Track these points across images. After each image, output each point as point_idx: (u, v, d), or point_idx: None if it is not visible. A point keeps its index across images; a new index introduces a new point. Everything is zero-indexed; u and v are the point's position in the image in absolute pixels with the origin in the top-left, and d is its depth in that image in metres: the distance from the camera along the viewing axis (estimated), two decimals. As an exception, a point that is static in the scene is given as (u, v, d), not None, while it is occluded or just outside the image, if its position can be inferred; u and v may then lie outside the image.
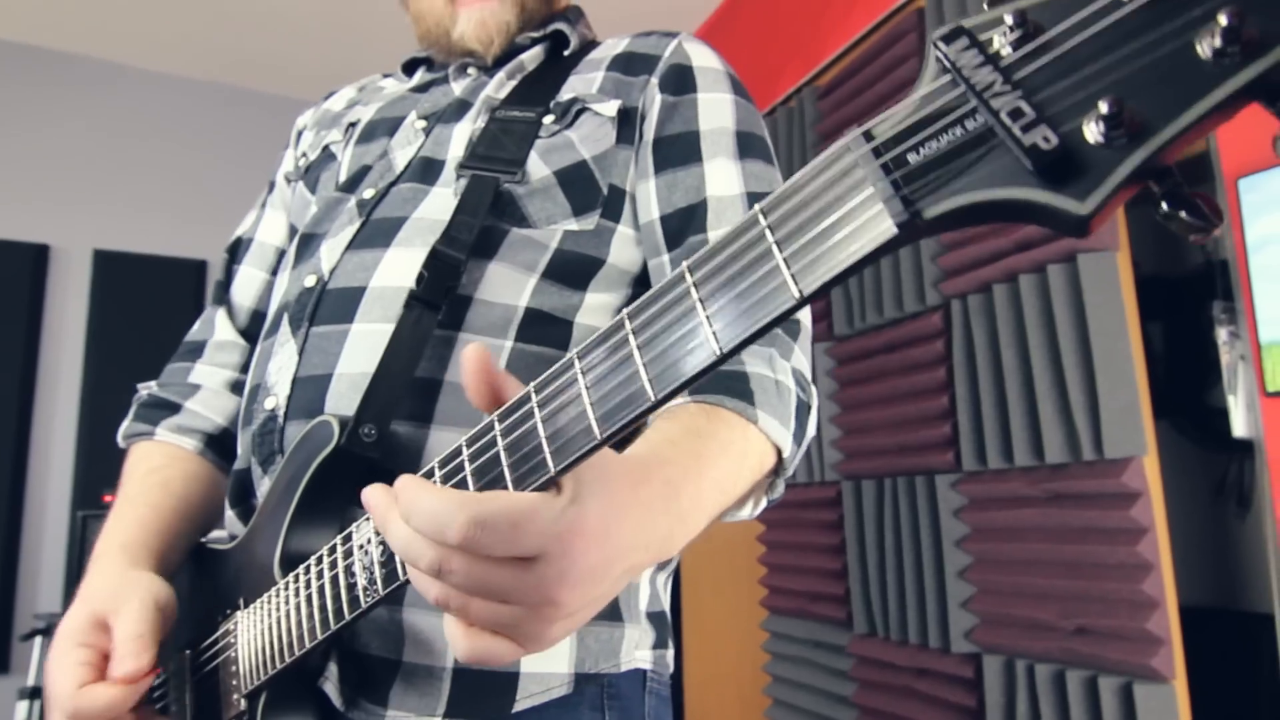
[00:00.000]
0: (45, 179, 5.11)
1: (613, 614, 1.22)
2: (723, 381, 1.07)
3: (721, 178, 1.28)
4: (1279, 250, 2.27)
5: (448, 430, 1.20)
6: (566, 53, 1.50)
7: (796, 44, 4.10)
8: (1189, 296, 3.11)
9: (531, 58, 1.50)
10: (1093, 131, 0.47)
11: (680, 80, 1.36)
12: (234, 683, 1.20)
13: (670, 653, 1.33)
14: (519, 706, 1.13)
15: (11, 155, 5.04)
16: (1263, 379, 2.30)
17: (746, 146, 1.32)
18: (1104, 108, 0.46)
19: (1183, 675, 2.26)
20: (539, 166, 1.31)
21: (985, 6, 0.53)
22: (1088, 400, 2.48)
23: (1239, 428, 2.47)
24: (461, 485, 0.79)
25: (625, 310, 0.68)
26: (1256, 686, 2.80)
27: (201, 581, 1.36)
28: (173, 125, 5.53)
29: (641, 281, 1.35)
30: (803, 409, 1.16)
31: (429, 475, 0.84)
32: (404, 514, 0.72)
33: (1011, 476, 2.75)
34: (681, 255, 1.26)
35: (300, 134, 1.68)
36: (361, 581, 0.96)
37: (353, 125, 1.55)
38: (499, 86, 1.46)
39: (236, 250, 1.67)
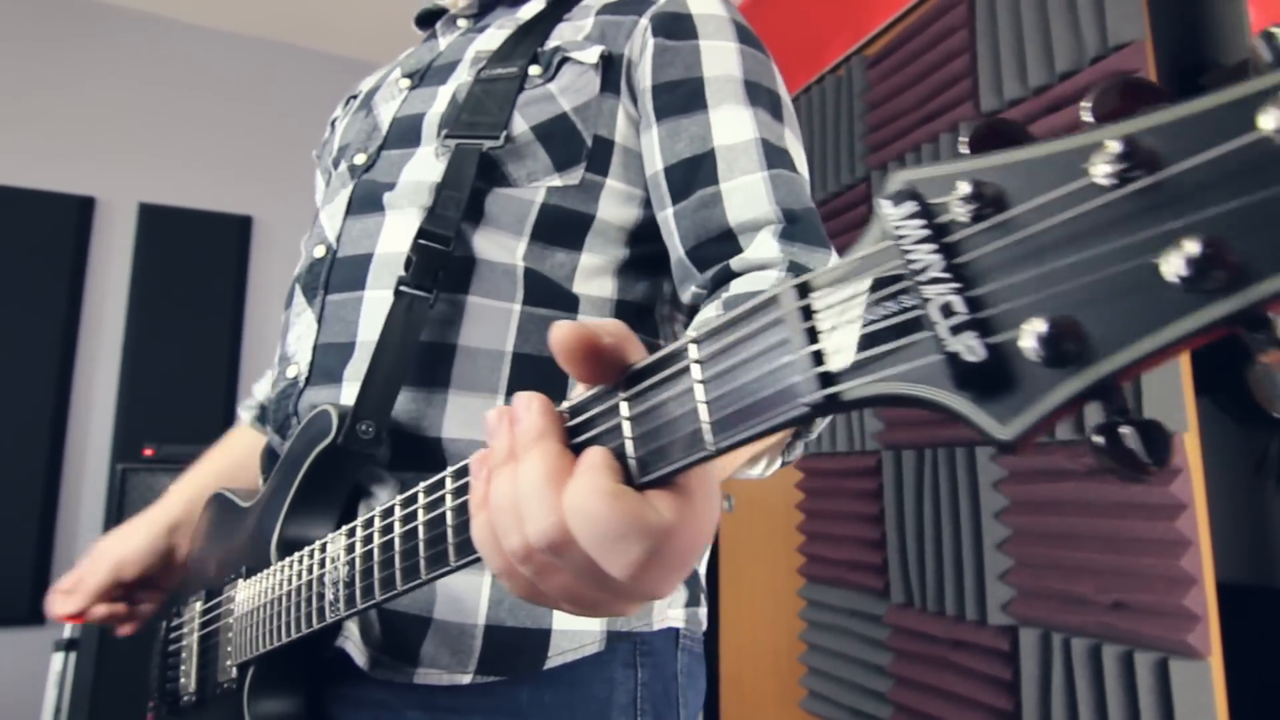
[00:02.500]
0: (91, 132, 5.18)
1: None
2: None
3: (731, 124, 1.24)
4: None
5: (466, 395, 1.20)
6: None
7: (845, 13, 4.07)
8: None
9: (529, 10, 1.46)
10: (1031, 345, 0.41)
11: (678, 26, 1.31)
12: (229, 649, 1.24)
13: (703, 610, 1.33)
14: (551, 664, 1.14)
15: (58, 108, 5.12)
16: (1307, 357, 2.28)
17: (755, 96, 1.27)
18: (1042, 326, 0.40)
19: (1219, 652, 2.25)
20: (519, 123, 1.28)
21: (965, 147, 0.46)
22: (1130, 375, 2.46)
23: (1281, 405, 2.45)
24: None
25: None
26: (1293, 664, 2.78)
27: (224, 532, 1.40)
28: (220, 80, 5.59)
29: (640, 238, 1.32)
30: None
31: None
32: (569, 509, 0.59)
33: (1052, 450, 2.73)
34: (691, 209, 1.23)
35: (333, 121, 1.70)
36: (329, 595, 0.97)
37: (354, 98, 1.57)
38: (490, 38, 1.43)
39: None
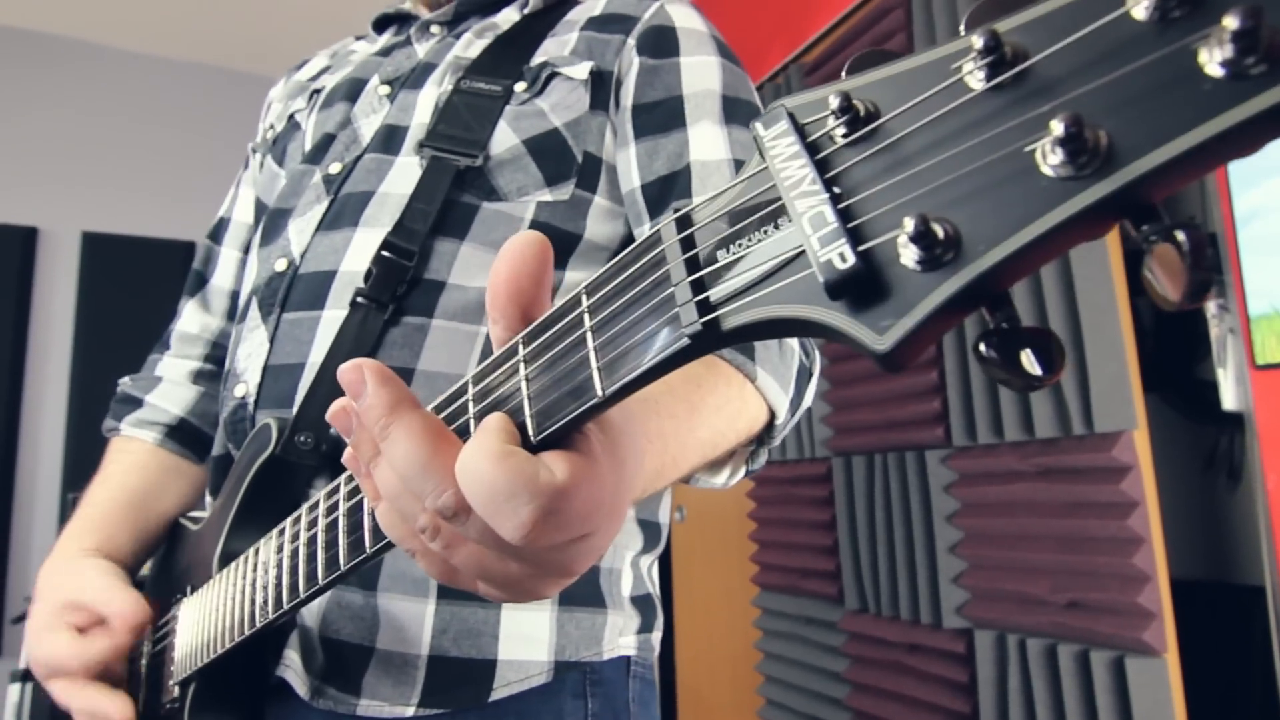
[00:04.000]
0: (33, 162, 5.12)
1: (595, 600, 1.20)
2: None
3: (707, 142, 1.22)
4: (1267, 223, 2.26)
5: None
6: (527, 10, 1.43)
7: (783, 20, 4.08)
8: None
9: (504, 19, 1.44)
10: (904, 249, 0.39)
11: (661, 42, 1.30)
12: (171, 668, 1.21)
13: (657, 635, 1.31)
14: (496, 695, 1.11)
15: None
16: (1252, 352, 2.30)
17: (733, 112, 1.26)
18: (909, 225, 0.38)
19: (1174, 649, 2.27)
20: (507, 136, 1.26)
21: (844, 74, 0.45)
22: (1077, 374, 2.48)
23: (1229, 400, 2.48)
24: (463, 425, 0.65)
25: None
26: (1249, 659, 2.80)
27: (175, 556, 1.38)
28: (159, 107, 5.54)
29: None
30: (804, 374, 1.12)
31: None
32: (459, 472, 0.57)
33: (1001, 451, 2.75)
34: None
35: (269, 106, 1.66)
36: (259, 599, 0.96)
37: (317, 92, 1.53)
38: (467, 46, 1.41)
39: (218, 232, 1.66)
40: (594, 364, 0.54)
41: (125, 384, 1.60)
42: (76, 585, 1.24)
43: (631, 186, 1.25)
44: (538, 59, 1.32)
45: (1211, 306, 2.52)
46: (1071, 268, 2.50)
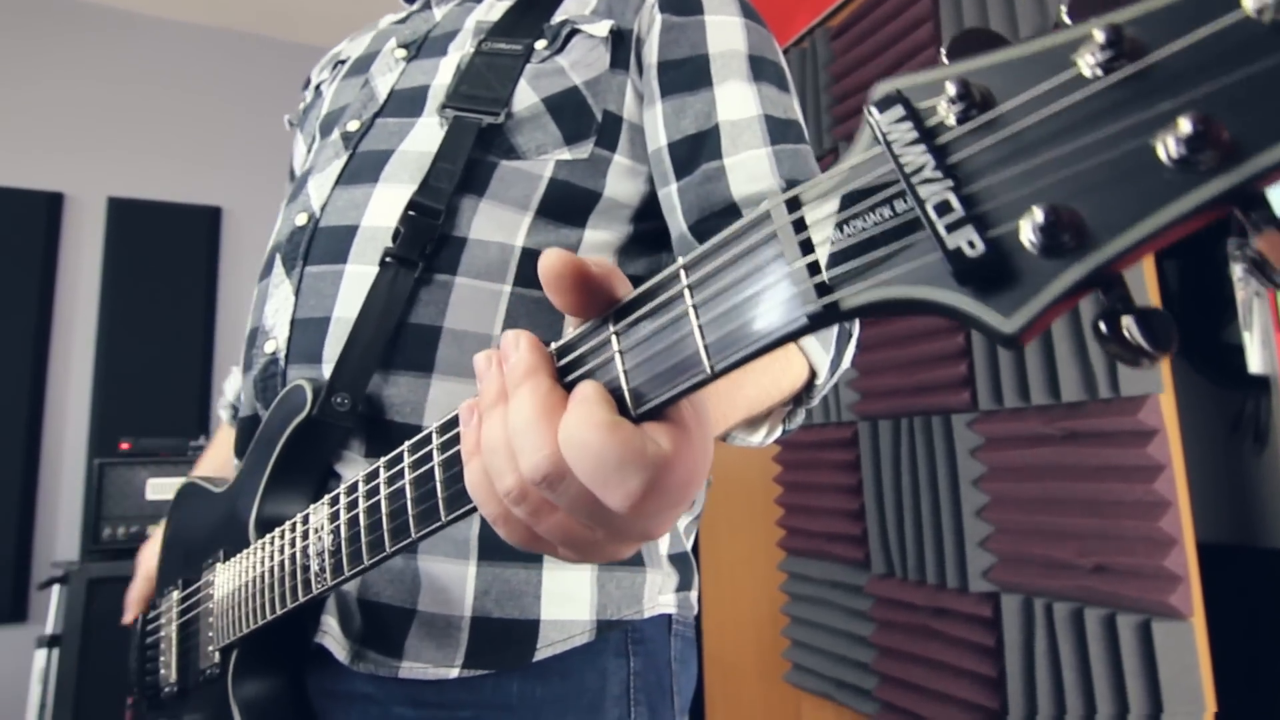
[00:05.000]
0: (59, 127, 5.14)
1: (634, 559, 1.21)
2: None
3: (735, 100, 1.23)
4: (1296, 185, 2.25)
5: (449, 380, 1.18)
6: None
7: (808, -18, 4.05)
8: (1204, 233, 3.09)
9: None
10: (1029, 236, 0.41)
11: (683, 1, 1.30)
12: (210, 634, 1.22)
13: (694, 594, 1.32)
14: (540, 655, 1.12)
15: (26, 103, 5.07)
16: (1278, 315, 2.29)
17: (760, 70, 1.26)
18: (1039, 215, 0.40)
19: (1201, 612, 2.27)
20: (527, 94, 1.27)
21: (944, 59, 0.46)
22: (1104, 339, 2.46)
23: (1255, 364, 2.46)
24: None
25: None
26: (1275, 622, 2.80)
27: (198, 519, 1.38)
28: (186, 72, 5.56)
29: (643, 215, 1.31)
30: (844, 336, 1.13)
31: None
32: (564, 442, 0.58)
33: (1028, 415, 2.74)
34: (694, 183, 1.21)
35: (307, 82, 1.67)
36: (314, 567, 0.96)
37: (341, 63, 1.54)
38: (489, 9, 1.41)
39: None
40: (700, 340, 0.55)
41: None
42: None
43: (658, 145, 1.26)
44: (558, 17, 1.33)
45: (1238, 270, 2.51)
46: (1098, 231, 2.48)
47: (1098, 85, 0.40)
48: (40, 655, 3.76)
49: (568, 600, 1.15)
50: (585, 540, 0.64)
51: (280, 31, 5.73)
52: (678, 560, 1.28)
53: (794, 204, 0.52)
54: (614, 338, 0.61)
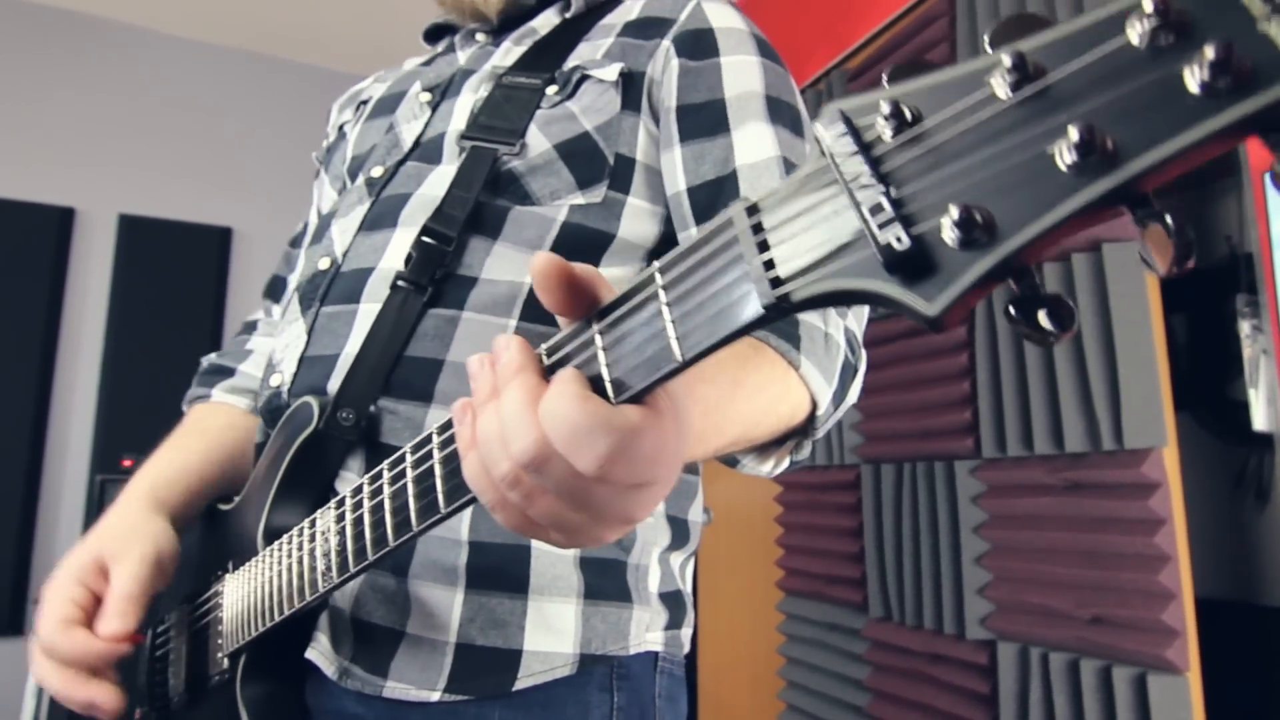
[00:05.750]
0: (72, 142, 5.16)
1: (621, 595, 1.21)
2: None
3: (753, 144, 1.23)
4: (1305, 244, 2.26)
5: (446, 411, 1.19)
6: (570, 14, 1.46)
7: (826, 26, 4.06)
8: (1213, 289, 3.09)
9: (543, 23, 1.46)
10: (948, 232, 0.47)
11: (700, 44, 1.30)
12: (219, 641, 1.25)
13: (686, 632, 1.32)
14: (520, 685, 1.13)
15: (40, 118, 5.10)
16: (1285, 373, 2.29)
17: (777, 111, 1.27)
18: (955, 213, 0.46)
19: (1197, 667, 2.26)
20: (539, 139, 1.28)
21: (885, 83, 0.53)
22: (1109, 390, 2.47)
23: (1260, 421, 2.47)
24: None
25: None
26: (1272, 679, 2.79)
27: (207, 537, 1.41)
28: (200, 92, 5.58)
29: (658, 253, 1.28)
30: (848, 370, 1.13)
31: None
32: (543, 416, 0.64)
33: (1031, 464, 2.74)
34: None
35: (330, 118, 1.68)
36: (320, 566, 1.01)
37: (363, 104, 1.56)
38: (505, 54, 1.43)
39: (297, 238, 1.72)
40: (672, 334, 0.61)
41: (211, 358, 1.65)
42: (118, 545, 1.28)
43: (677, 189, 1.26)
44: (570, 63, 1.34)
45: (1245, 327, 2.51)
46: (1106, 285, 2.49)
47: (1006, 103, 0.47)
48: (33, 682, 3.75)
49: (551, 632, 1.15)
50: (572, 523, 0.69)
51: (297, 54, 5.76)
52: (669, 598, 1.29)
53: (753, 210, 0.58)
54: (597, 335, 0.67)
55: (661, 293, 0.62)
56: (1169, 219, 0.43)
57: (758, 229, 0.57)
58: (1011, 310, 0.48)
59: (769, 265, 0.56)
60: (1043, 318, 0.47)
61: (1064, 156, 0.44)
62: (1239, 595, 3.03)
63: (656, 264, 0.64)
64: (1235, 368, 2.66)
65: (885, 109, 0.51)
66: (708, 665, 4.46)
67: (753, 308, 0.57)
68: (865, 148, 0.52)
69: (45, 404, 4.85)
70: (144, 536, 1.28)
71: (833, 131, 0.53)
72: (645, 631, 1.23)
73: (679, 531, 1.32)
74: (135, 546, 1.26)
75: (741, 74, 1.29)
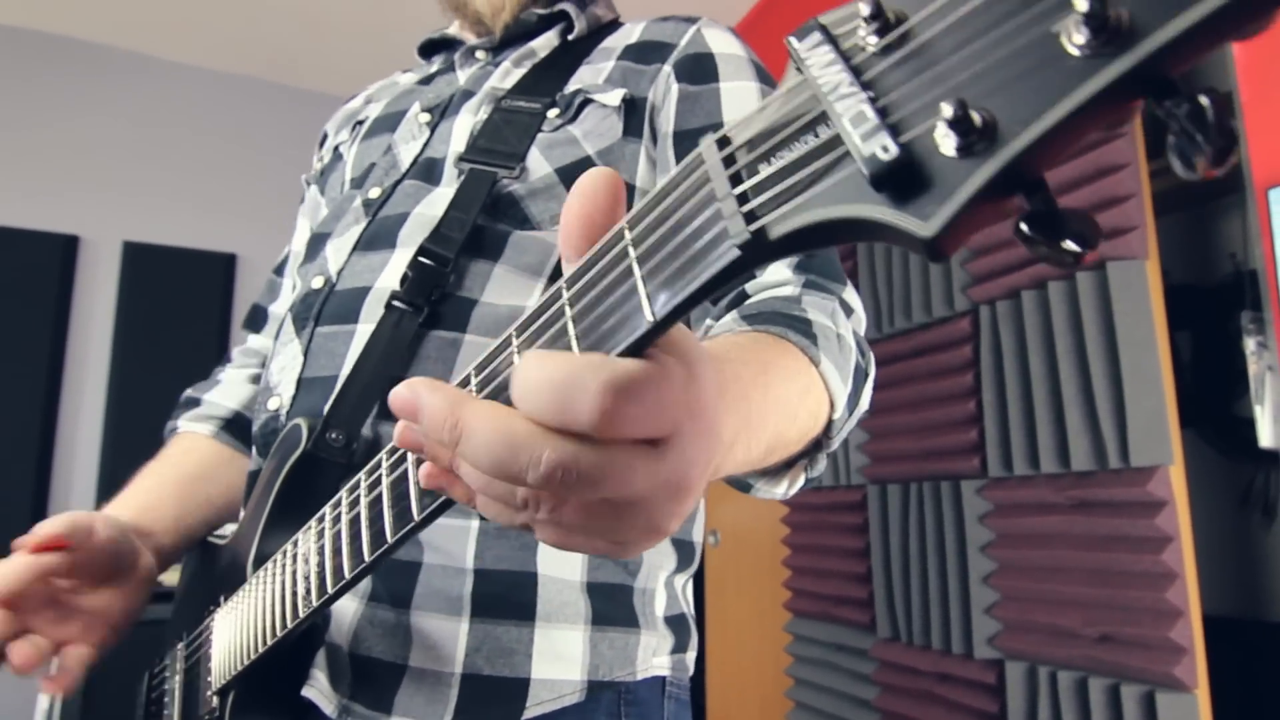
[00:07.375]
0: (76, 170, 5.15)
1: (628, 620, 1.20)
2: (785, 319, 0.99)
3: None
4: (1309, 261, 2.26)
5: None
6: (572, 36, 1.45)
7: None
8: (1217, 306, 3.09)
9: (543, 44, 1.46)
10: (941, 136, 0.40)
11: (700, 69, 1.30)
12: (209, 679, 1.21)
13: (691, 655, 1.31)
14: (529, 714, 1.11)
15: (43, 146, 5.09)
16: (1291, 390, 2.30)
17: None
18: (947, 110, 0.39)
19: (1205, 685, 2.26)
20: (540, 164, 1.27)
21: None
22: (1114, 408, 2.48)
23: (1265, 438, 2.47)
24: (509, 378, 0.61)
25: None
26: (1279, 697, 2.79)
27: (202, 572, 1.38)
28: (203, 118, 5.57)
29: None
30: (860, 374, 1.07)
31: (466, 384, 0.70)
32: (517, 396, 0.52)
33: (1037, 483, 2.74)
34: None
35: (324, 138, 1.68)
36: (300, 590, 0.95)
37: (359, 124, 1.55)
38: (505, 75, 1.42)
39: (281, 266, 1.71)
40: (643, 291, 0.53)
41: (187, 392, 1.67)
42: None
43: None
44: (572, 86, 1.34)
45: (1250, 344, 2.52)
46: (1111, 303, 2.50)
47: None
48: (44, 699, 3.73)
49: (559, 659, 1.14)
50: (608, 527, 0.57)
51: (301, 80, 5.75)
52: (674, 622, 1.28)
53: (724, 142, 0.51)
54: (566, 306, 0.58)
55: (631, 248, 0.55)
56: (1206, 102, 0.35)
57: (729, 161, 0.50)
58: (1025, 228, 0.40)
59: (743, 199, 0.49)
60: (1062, 233, 0.40)
61: (1072, 37, 0.37)
62: (1247, 612, 3.03)
63: (625, 218, 0.57)
64: (1241, 385, 2.67)
65: (865, 11, 0.44)
66: (716, 687, 4.45)
67: (728, 250, 0.49)
68: (845, 56, 0.45)
69: (51, 432, 4.83)
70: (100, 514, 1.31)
71: (808, 42, 0.47)
72: (652, 656, 1.22)
73: (684, 554, 1.31)
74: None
75: (740, 99, 1.28)
